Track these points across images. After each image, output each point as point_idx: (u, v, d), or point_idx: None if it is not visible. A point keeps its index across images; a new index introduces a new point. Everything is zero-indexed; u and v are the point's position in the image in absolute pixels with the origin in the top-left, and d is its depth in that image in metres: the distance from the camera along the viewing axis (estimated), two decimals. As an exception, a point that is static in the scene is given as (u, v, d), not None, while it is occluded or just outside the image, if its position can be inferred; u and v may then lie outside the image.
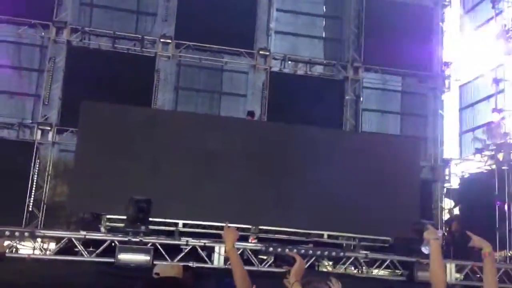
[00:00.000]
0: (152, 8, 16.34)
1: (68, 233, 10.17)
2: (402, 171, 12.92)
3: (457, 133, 17.30)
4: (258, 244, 10.38)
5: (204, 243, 9.90)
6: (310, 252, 10.23)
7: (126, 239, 9.33)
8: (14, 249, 9.76)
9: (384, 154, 12.75)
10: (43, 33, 15.19)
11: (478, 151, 15.33)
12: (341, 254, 10.72)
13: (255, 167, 12.05)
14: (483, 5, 16.26)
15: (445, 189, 16.85)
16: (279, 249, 10.01)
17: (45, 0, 15.12)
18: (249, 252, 10.09)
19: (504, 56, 14.72)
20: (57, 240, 10.21)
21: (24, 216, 13.78)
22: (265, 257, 10.45)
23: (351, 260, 11.01)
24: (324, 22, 17.73)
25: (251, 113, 14.92)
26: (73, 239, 9.49)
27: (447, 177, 16.96)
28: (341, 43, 17.38)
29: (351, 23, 17.10)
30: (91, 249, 9.62)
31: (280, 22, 17.13)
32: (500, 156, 14.25)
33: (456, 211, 16.34)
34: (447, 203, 16.90)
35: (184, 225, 11.66)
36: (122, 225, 10.35)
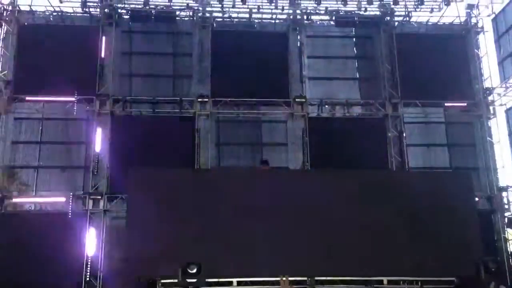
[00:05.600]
0: (187, 71, 16.92)
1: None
2: (457, 206, 12.41)
3: (510, 158, 16.57)
4: (316, 297, 10.09)
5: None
6: (370, 300, 9.83)
7: (182, 303, 9.28)
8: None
9: (435, 191, 12.34)
10: (87, 107, 15.93)
11: (536, 175, 14.57)
12: (403, 300, 10.24)
13: (305, 217, 11.86)
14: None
15: (506, 219, 15.97)
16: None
17: (87, 76, 15.95)
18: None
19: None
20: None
21: (82, 286, 14.06)
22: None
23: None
24: (356, 63, 17.78)
25: (265, 162, 14.84)
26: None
27: (506, 206, 16.13)
28: (376, 82, 17.31)
29: (384, 60, 17.09)
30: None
31: (313, 68, 17.32)
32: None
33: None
34: (511, 233, 15.99)
35: (239, 283, 11.49)
36: (177, 288, 10.32)
